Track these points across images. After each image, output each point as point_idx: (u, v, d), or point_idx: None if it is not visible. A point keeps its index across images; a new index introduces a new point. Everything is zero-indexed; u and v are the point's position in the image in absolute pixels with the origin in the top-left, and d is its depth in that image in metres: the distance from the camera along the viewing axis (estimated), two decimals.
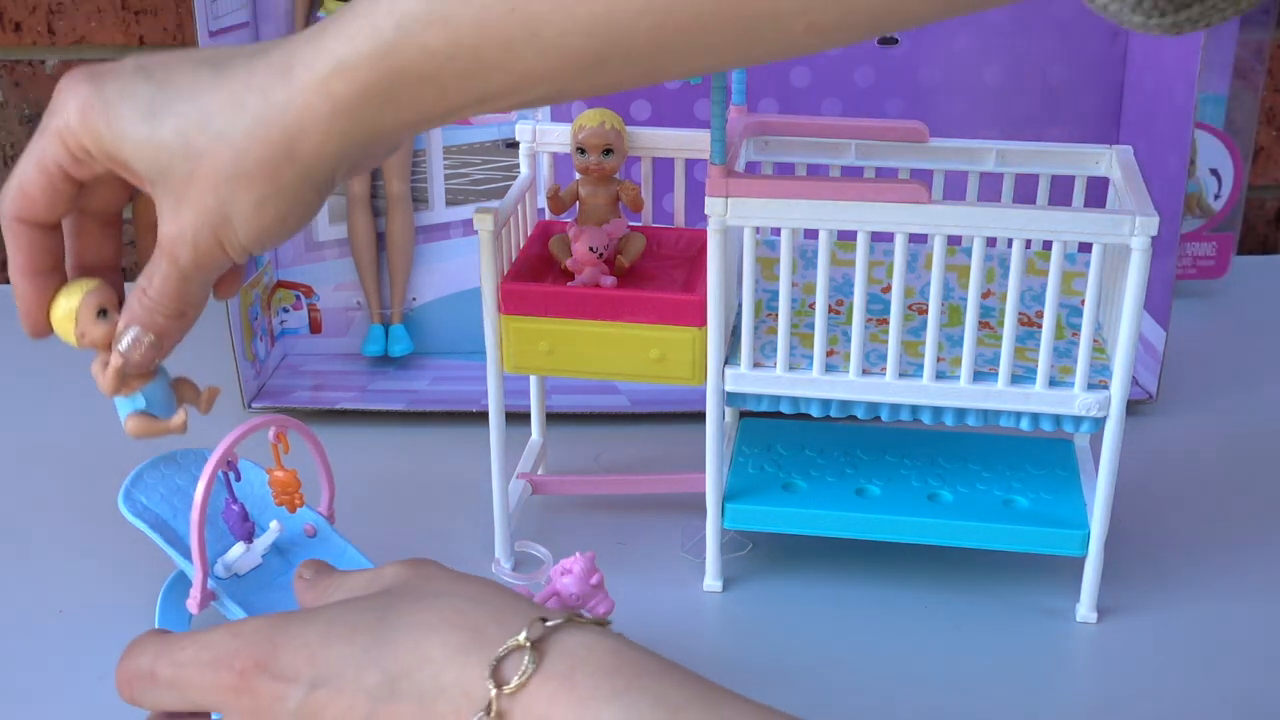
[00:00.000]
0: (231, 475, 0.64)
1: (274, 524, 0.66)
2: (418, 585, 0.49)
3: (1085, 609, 0.71)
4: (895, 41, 0.93)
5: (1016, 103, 0.94)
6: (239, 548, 0.65)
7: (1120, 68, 0.93)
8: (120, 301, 0.56)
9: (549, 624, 0.45)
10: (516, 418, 0.80)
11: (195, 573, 0.62)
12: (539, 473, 0.82)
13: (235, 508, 0.65)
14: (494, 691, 0.43)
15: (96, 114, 0.52)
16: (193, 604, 0.62)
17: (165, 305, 0.54)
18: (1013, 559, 0.74)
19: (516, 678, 0.44)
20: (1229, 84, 1.06)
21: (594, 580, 0.60)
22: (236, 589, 0.65)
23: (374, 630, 0.47)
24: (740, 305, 0.71)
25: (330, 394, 0.93)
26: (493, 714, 0.43)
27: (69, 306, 0.56)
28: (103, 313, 0.57)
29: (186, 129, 0.51)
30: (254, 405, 0.90)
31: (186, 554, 0.63)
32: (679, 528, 0.77)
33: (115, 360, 0.56)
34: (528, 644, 0.44)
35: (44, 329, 0.57)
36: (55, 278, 0.57)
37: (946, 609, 0.72)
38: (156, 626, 0.65)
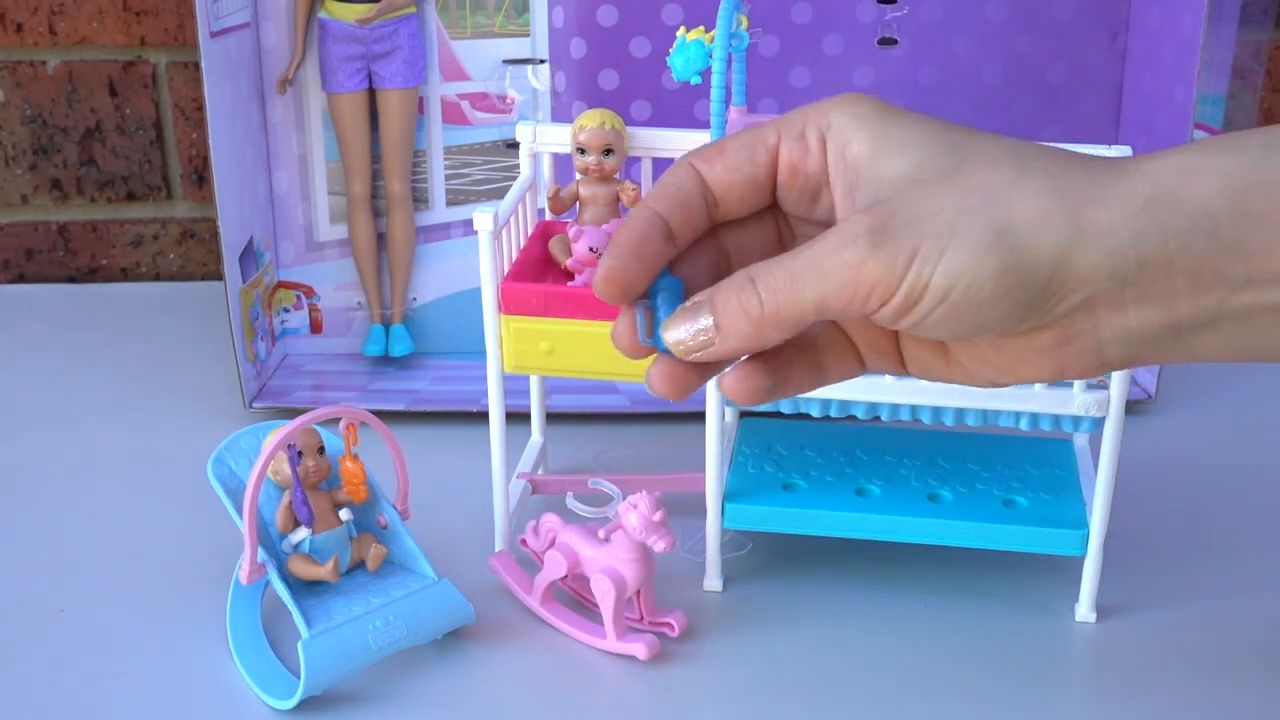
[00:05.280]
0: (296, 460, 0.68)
1: (344, 512, 0.69)
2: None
3: (1085, 609, 0.71)
4: (895, 42, 0.93)
5: (1016, 103, 0.94)
6: (302, 530, 0.67)
7: (1119, 68, 0.93)
8: None
9: None
10: (516, 418, 0.80)
11: (245, 547, 0.64)
12: (539, 473, 0.82)
13: (298, 494, 0.67)
14: None
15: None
16: (243, 575, 0.65)
17: (746, 336, 0.42)
18: (1013, 559, 0.74)
19: None
20: (1228, 84, 1.06)
21: (657, 517, 0.65)
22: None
23: None
24: None
25: (331, 394, 0.93)
26: None
27: None
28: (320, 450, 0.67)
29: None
30: (255, 405, 0.90)
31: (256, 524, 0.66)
32: (679, 528, 0.77)
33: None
34: None
35: None
36: None
37: (946, 609, 0.72)
38: (229, 602, 0.69)
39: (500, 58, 0.94)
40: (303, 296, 0.98)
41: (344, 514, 0.68)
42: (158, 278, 1.17)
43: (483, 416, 0.75)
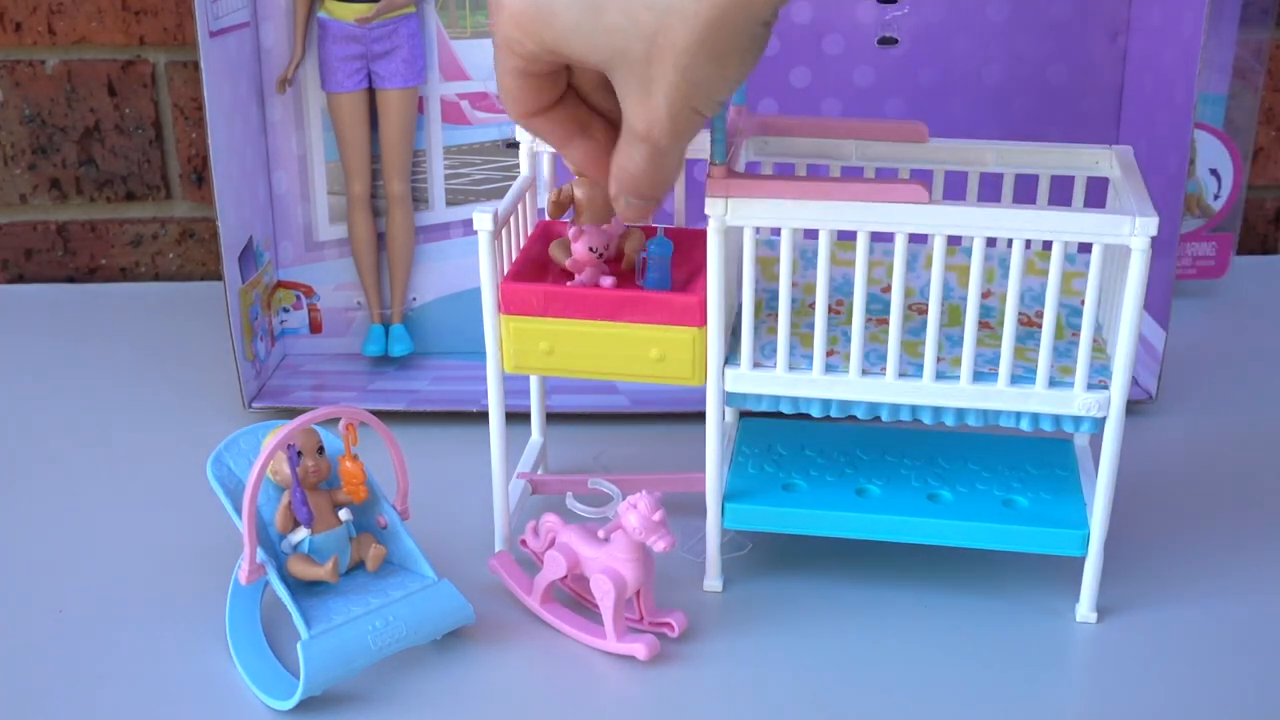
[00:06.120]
0: (296, 460, 0.67)
1: (344, 512, 0.68)
2: None
3: (1085, 609, 0.71)
4: (895, 41, 0.93)
5: (1016, 103, 0.94)
6: (301, 531, 0.67)
7: (1120, 68, 0.93)
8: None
9: None
10: (516, 418, 0.80)
11: (245, 547, 0.64)
12: (539, 473, 0.82)
13: (298, 494, 0.67)
14: None
15: (533, 22, 0.54)
16: (242, 575, 0.65)
17: (648, 180, 0.58)
18: (1013, 559, 0.74)
19: None
20: (1229, 84, 1.06)
21: (657, 517, 0.65)
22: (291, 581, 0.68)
23: None
24: (740, 305, 0.71)
25: (330, 394, 0.93)
26: None
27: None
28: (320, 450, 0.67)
29: (632, 10, 0.52)
30: (254, 405, 0.90)
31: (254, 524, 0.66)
32: (679, 528, 0.77)
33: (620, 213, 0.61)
34: None
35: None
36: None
37: (946, 609, 0.72)
38: (229, 603, 0.68)
39: None
40: (302, 296, 0.98)
41: (343, 514, 0.68)
42: (157, 278, 1.17)
43: (483, 416, 0.75)
